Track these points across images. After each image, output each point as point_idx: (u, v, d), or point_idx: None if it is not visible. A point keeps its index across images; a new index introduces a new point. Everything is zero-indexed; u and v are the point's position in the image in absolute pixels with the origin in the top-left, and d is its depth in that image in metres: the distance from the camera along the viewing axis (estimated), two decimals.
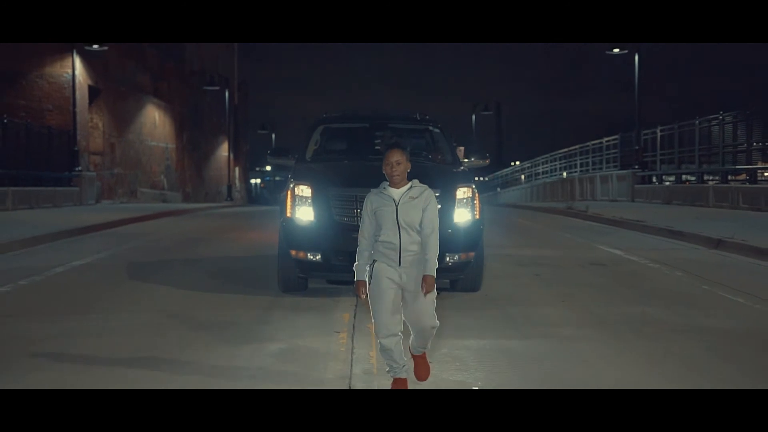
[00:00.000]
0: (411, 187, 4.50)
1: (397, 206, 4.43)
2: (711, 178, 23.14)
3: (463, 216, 7.50)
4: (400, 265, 4.42)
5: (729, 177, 21.80)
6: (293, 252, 7.50)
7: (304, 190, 7.52)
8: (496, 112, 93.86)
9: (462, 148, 10.37)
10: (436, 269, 4.51)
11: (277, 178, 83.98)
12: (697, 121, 23.11)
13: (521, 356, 5.52)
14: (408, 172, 4.53)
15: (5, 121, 22.40)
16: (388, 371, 4.48)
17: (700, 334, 6.21)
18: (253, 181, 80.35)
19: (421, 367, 4.64)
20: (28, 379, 4.89)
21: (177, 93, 40.28)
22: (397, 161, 4.44)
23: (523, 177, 45.95)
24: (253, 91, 76.29)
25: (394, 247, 4.43)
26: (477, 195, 7.69)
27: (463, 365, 5.25)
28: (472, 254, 7.55)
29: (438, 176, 7.57)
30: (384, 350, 4.42)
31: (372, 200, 4.52)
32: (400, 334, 4.43)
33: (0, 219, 17.35)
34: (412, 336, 4.56)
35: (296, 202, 7.51)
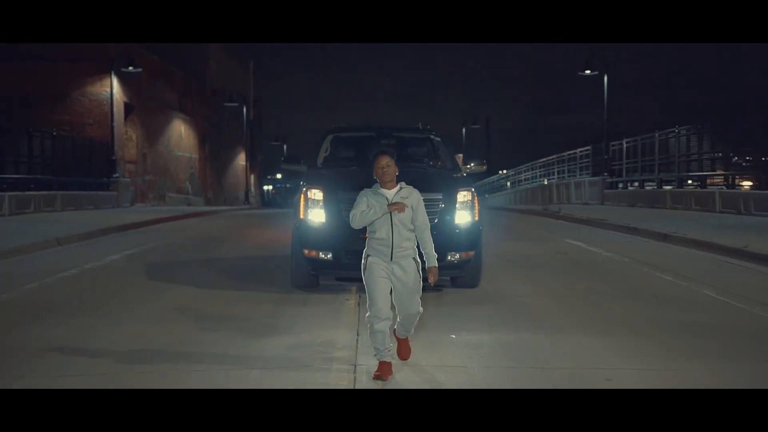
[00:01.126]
0: (401, 188, 4.64)
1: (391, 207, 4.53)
2: (672, 185, 24.11)
3: (463, 218, 7.46)
4: (391, 260, 4.55)
5: (690, 182, 22.73)
6: (306, 251, 7.44)
7: (316, 194, 7.47)
8: (485, 125, 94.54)
9: (461, 155, 9.61)
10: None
11: (287, 185, 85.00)
12: (656, 134, 24.13)
13: (491, 312, 6.57)
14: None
15: (54, 134, 23.46)
16: (375, 355, 4.59)
17: (631, 299, 7.27)
18: (265, 187, 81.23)
19: (404, 348, 4.83)
20: (70, 339, 5.95)
21: (200, 109, 41.29)
22: (387, 164, 4.61)
23: (508, 183, 47.01)
24: (267, 107, 77.19)
25: (386, 244, 4.55)
26: (476, 198, 7.61)
27: (445, 317, 6.30)
28: (471, 253, 7.51)
29: (440, 181, 7.63)
30: (374, 333, 4.53)
31: (369, 196, 4.63)
32: (389, 318, 4.55)
33: (54, 218, 18.37)
34: (398, 320, 4.73)
35: (309, 205, 7.46)
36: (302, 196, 7.55)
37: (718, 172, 20.43)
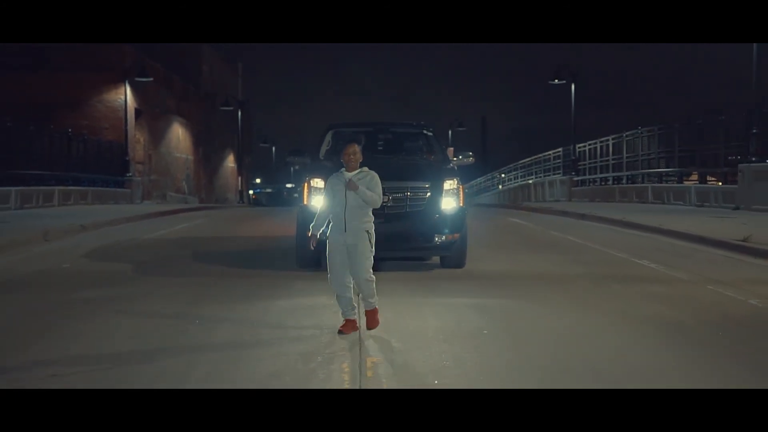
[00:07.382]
0: (360, 171, 5.66)
1: (346, 186, 5.59)
2: (621, 182, 30.25)
3: (449, 204, 9.02)
4: (345, 231, 5.62)
5: (651, 179, 28.63)
6: (309, 233, 8.10)
7: (318, 183, 8.99)
8: (482, 126, 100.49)
9: (452, 148, 12.06)
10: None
11: (268, 190, 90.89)
12: (610, 138, 30.32)
13: None
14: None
15: (85, 137, 29.43)
16: (342, 314, 5.75)
17: (521, 241, 13.36)
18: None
19: (370, 320, 5.70)
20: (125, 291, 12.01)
21: (194, 113, 47.29)
22: (354, 152, 5.63)
23: (500, 186, 53.29)
24: (255, 107, 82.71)
25: (340, 219, 5.63)
26: (461, 187, 9.19)
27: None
28: (457, 235, 9.05)
29: (429, 171, 9.34)
30: (336, 297, 5.78)
31: (331, 181, 5.73)
32: (348, 285, 5.69)
33: (95, 210, 24.19)
34: (359, 290, 5.71)
35: (311, 192, 9.09)
36: (306, 184, 9.28)
37: (652, 170, 26.60)
